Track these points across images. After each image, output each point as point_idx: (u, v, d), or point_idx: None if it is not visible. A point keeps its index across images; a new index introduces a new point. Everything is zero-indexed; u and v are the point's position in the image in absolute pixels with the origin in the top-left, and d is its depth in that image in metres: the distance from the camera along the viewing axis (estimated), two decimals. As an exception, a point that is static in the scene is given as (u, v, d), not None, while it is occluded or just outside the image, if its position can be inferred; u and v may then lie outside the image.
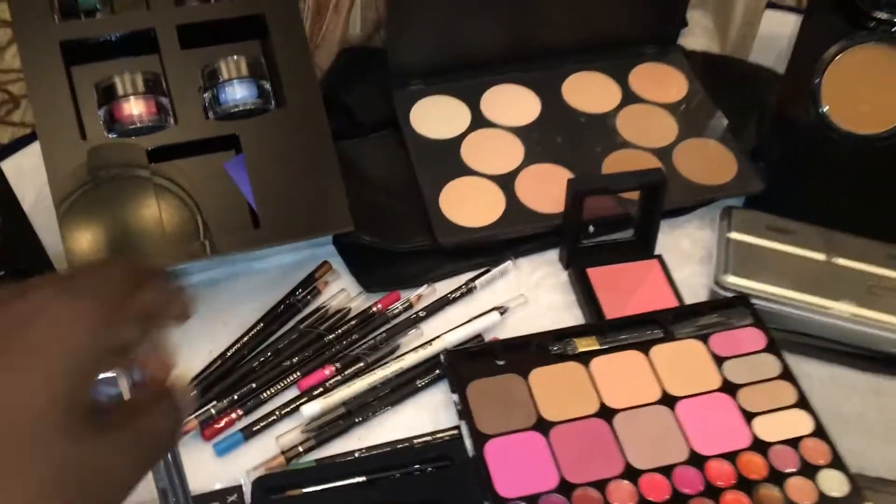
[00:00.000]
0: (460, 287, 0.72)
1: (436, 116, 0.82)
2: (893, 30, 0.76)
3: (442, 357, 0.66)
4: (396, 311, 0.70)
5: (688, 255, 0.77)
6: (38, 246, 0.65)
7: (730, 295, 0.71)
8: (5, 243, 0.60)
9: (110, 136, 0.63)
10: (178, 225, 0.64)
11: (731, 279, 0.71)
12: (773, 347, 0.67)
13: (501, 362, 0.66)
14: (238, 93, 0.64)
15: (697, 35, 0.99)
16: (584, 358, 0.66)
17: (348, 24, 0.82)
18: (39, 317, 0.28)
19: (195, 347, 0.67)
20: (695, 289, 0.74)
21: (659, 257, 0.75)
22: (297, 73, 0.67)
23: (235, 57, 0.64)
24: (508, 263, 0.74)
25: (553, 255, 0.77)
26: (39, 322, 0.28)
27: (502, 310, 0.71)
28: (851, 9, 0.77)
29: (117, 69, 0.64)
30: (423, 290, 0.72)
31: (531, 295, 0.73)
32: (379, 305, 0.70)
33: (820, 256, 0.74)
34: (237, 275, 0.72)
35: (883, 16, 0.76)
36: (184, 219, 0.64)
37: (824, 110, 0.78)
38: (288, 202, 0.65)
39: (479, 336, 0.69)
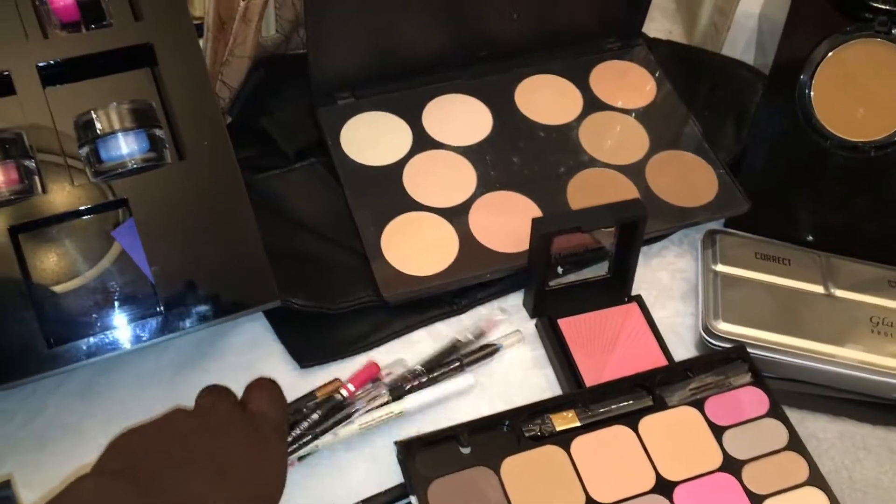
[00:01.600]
0: (446, 369, 0.60)
1: (371, 137, 0.70)
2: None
3: (396, 449, 0.56)
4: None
5: (668, 291, 0.68)
6: None
7: (722, 346, 0.61)
8: None
9: (-40, 213, 0.49)
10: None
11: (724, 326, 0.62)
12: (776, 410, 0.58)
13: (467, 450, 0.56)
14: (124, 147, 0.51)
15: (656, 19, 0.89)
16: (564, 439, 0.56)
17: (260, 30, 0.68)
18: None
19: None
20: (679, 332, 0.65)
21: (638, 299, 0.65)
22: (197, 112, 0.54)
23: (116, 104, 0.51)
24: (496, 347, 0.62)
25: (516, 298, 0.66)
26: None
27: (494, 348, 0.61)
28: (845, -1, 0.67)
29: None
30: (392, 367, 0.60)
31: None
32: (344, 393, 0.57)
33: (818, 289, 0.65)
34: (135, 360, 0.60)
35: (882, 6, 0.66)
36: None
37: (814, 115, 0.69)
38: (194, 276, 0.53)
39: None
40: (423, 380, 0.58)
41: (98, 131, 0.51)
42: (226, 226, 0.54)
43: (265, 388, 0.51)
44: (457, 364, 0.60)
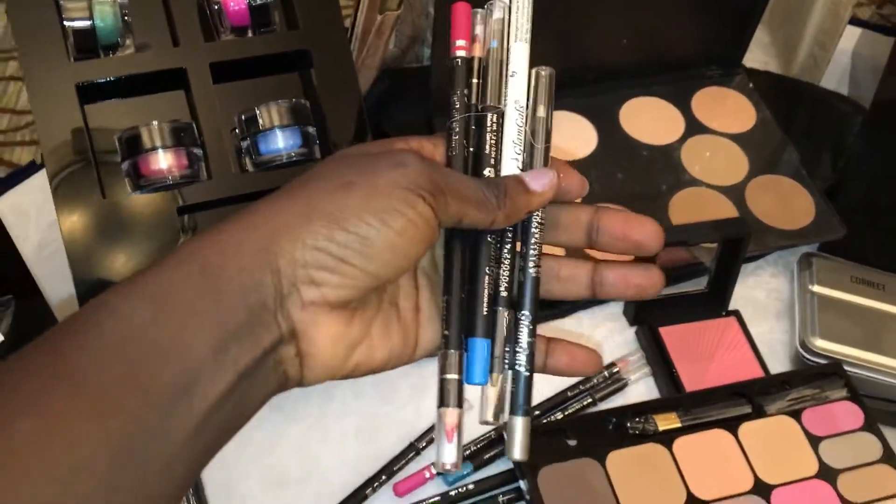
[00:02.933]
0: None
1: (483, 148, 0.75)
2: None
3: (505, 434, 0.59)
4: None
5: (764, 309, 0.71)
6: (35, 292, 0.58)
7: (818, 361, 0.64)
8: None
9: (135, 192, 0.55)
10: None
11: (820, 343, 0.65)
12: (871, 425, 0.61)
13: (573, 442, 0.59)
14: (281, 142, 0.56)
15: (752, 50, 0.91)
16: (666, 438, 0.59)
17: (388, 45, 0.73)
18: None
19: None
20: (774, 348, 0.68)
21: (736, 313, 0.68)
22: (345, 114, 0.59)
23: (279, 102, 0.56)
24: None
25: (616, 307, 0.70)
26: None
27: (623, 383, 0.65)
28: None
29: (140, 111, 0.56)
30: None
31: (596, 356, 0.66)
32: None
33: (912, 314, 0.68)
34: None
35: (985, 47, 0.69)
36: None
37: (912, 148, 0.72)
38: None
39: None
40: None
41: (260, 126, 0.56)
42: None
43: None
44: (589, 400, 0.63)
